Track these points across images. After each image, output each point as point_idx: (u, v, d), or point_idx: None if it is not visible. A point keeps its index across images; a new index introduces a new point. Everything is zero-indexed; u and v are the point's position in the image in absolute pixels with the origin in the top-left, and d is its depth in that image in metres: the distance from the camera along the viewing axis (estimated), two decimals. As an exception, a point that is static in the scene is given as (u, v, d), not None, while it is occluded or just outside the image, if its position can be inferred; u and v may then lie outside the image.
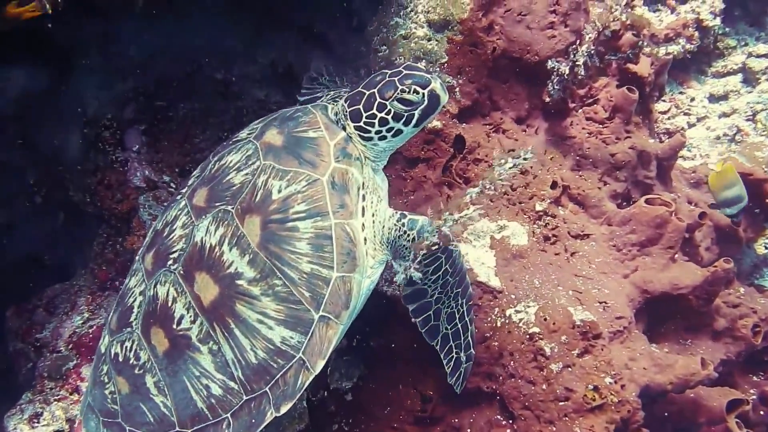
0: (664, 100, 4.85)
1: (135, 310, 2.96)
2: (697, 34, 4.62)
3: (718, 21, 4.76)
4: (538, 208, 3.95)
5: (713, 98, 4.99)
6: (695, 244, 4.26)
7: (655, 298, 3.84)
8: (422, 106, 2.99)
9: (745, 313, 4.13)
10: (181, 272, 2.83)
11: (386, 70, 3.08)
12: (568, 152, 4.16)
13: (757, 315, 4.12)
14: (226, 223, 2.81)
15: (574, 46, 3.93)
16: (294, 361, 2.72)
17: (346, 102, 3.09)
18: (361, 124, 3.03)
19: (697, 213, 4.14)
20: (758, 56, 5.01)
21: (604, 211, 4.03)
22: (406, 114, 3.00)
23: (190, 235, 2.89)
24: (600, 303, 3.66)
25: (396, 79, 2.99)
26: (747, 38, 5.19)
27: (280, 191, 2.82)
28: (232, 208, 2.83)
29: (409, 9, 4.16)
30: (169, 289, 2.85)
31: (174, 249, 2.92)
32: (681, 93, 4.94)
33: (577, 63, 3.87)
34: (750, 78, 5.06)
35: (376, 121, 3.01)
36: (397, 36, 4.12)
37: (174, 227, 3.00)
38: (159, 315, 2.83)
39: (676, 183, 4.50)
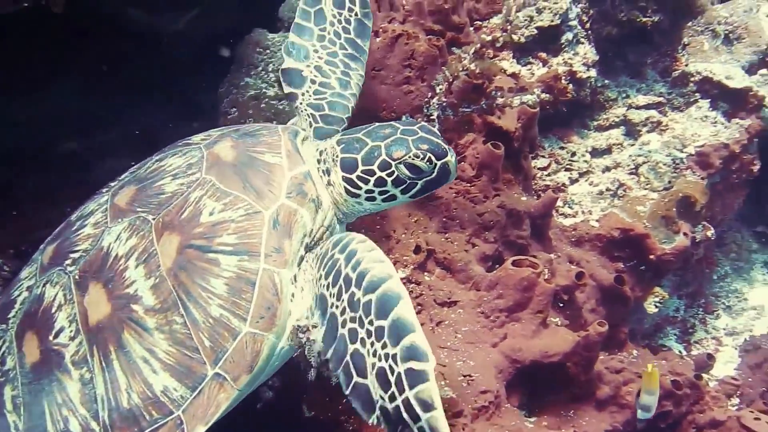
0: (543, 156, 4.65)
1: (17, 306, 2.62)
2: (571, 86, 4.45)
3: (593, 73, 4.61)
4: (401, 275, 3.64)
5: (596, 152, 4.82)
6: (577, 306, 3.99)
7: (526, 367, 3.53)
8: (429, 178, 2.68)
9: (630, 378, 3.84)
10: (77, 277, 2.48)
11: (397, 125, 2.74)
12: (434, 214, 3.89)
13: (641, 380, 3.83)
14: (141, 234, 2.47)
15: (428, 100, 3.71)
16: (170, 419, 2.31)
17: (339, 145, 2.73)
18: (353, 177, 2.67)
19: (575, 273, 3.88)
20: (638, 108, 4.87)
21: (472, 276, 3.74)
22: (408, 182, 2.67)
23: (99, 236, 2.54)
24: (464, 377, 3.33)
25: (410, 139, 2.64)
26: (628, 90, 5.07)
27: (212, 214, 2.47)
28: (153, 219, 2.49)
29: (260, 68, 3.93)
30: (57, 293, 2.49)
31: (77, 248, 2.57)
32: (561, 148, 4.76)
33: (431, 117, 3.64)
34: (631, 130, 4.90)
35: (373, 179, 2.66)
36: (247, 97, 3.88)
37: (86, 223, 2.65)
38: (39, 320, 2.48)
39: (557, 242, 4.25)
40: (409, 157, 2.60)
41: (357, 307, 2.25)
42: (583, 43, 4.52)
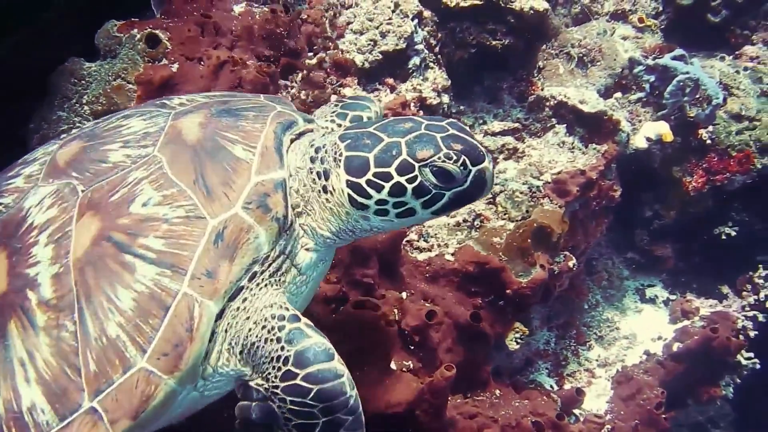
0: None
1: None
2: (421, 113, 4.24)
3: (445, 98, 4.43)
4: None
5: (453, 182, 4.60)
6: (431, 347, 3.72)
7: (370, 419, 3.24)
8: (459, 188, 2.11)
9: (484, 423, 3.59)
10: None
11: (420, 118, 2.21)
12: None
13: (498, 424, 3.59)
14: (64, 206, 2.04)
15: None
16: None
17: (343, 141, 2.18)
18: (362, 182, 2.11)
19: (426, 312, 3.63)
20: (494, 134, 4.72)
21: (313, 318, 3.43)
22: (433, 192, 2.10)
23: (25, 194, 2.12)
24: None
25: (439, 136, 2.10)
26: (484, 115, 4.94)
27: (145, 205, 2.01)
28: (82, 191, 2.05)
29: (74, 101, 3.54)
30: None
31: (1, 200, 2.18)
32: (416, 180, 4.52)
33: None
34: (488, 158, 4.73)
35: (388, 186, 2.09)
36: (58, 132, 3.48)
37: (22, 172, 2.23)
38: None
39: (410, 278, 3.99)
40: (439, 158, 2.05)
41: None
42: (432, 68, 4.34)
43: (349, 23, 4.04)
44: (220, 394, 2.20)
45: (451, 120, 2.20)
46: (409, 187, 2.09)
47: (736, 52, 5.45)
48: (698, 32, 5.44)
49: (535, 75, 4.79)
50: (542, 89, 4.66)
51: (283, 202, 2.14)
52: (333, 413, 1.99)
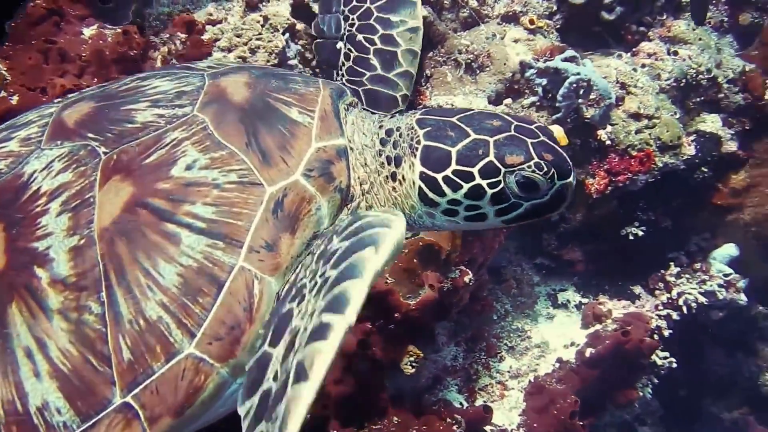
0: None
1: None
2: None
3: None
4: None
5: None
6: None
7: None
8: (539, 201, 1.97)
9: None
10: None
11: (508, 116, 2.04)
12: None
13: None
14: (81, 169, 1.76)
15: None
16: None
17: (422, 127, 2.02)
18: (439, 177, 1.95)
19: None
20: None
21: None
22: (512, 200, 1.96)
23: (23, 158, 1.83)
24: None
25: (530, 142, 1.94)
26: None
27: (189, 168, 1.77)
28: (105, 153, 1.78)
29: None
30: None
31: None
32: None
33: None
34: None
35: (467, 187, 1.93)
36: None
37: (13, 135, 1.93)
38: None
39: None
40: (528, 167, 1.91)
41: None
42: (311, 84, 4.11)
43: (215, 40, 3.80)
44: None
45: (539, 124, 2.05)
46: (489, 192, 1.94)
47: (633, 50, 5.35)
48: (593, 31, 5.33)
49: (423, 84, 4.61)
50: (430, 98, 4.48)
51: (346, 171, 1.97)
52: None
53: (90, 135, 1.82)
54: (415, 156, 2.00)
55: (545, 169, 1.92)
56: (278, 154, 1.85)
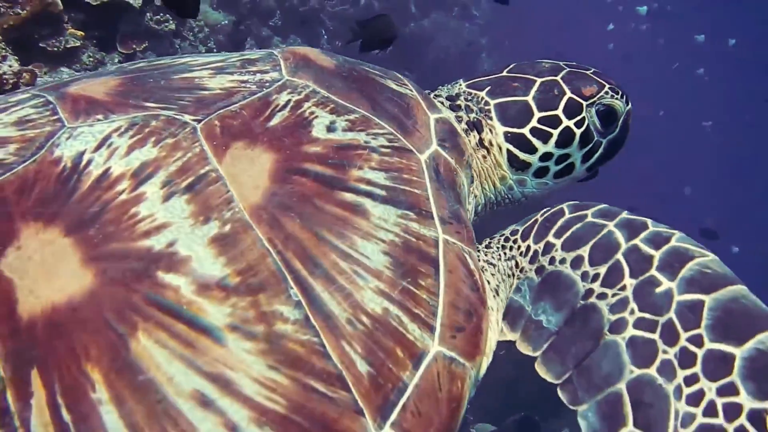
0: None
1: None
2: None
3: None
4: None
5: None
6: None
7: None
8: (612, 136, 1.85)
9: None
10: None
11: (548, 60, 1.93)
12: None
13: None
14: (168, 142, 1.25)
15: None
16: None
17: (477, 89, 1.86)
18: (526, 131, 1.78)
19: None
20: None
21: None
22: (595, 140, 1.82)
23: (37, 140, 1.22)
24: None
25: (589, 72, 1.83)
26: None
27: (331, 130, 1.42)
28: (197, 121, 1.31)
29: None
30: None
31: None
32: None
33: None
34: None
35: (557, 133, 1.77)
36: None
37: None
38: None
39: None
40: (606, 93, 1.78)
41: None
42: None
43: None
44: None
45: (579, 64, 1.93)
46: (578, 132, 1.79)
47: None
48: None
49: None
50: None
51: (468, 144, 1.76)
52: None
53: (150, 104, 1.35)
54: (490, 118, 1.82)
55: (620, 92, 1.84)
56: (408, 122, 1.60)
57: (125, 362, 1.01)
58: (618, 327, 1.37)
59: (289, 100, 1.44)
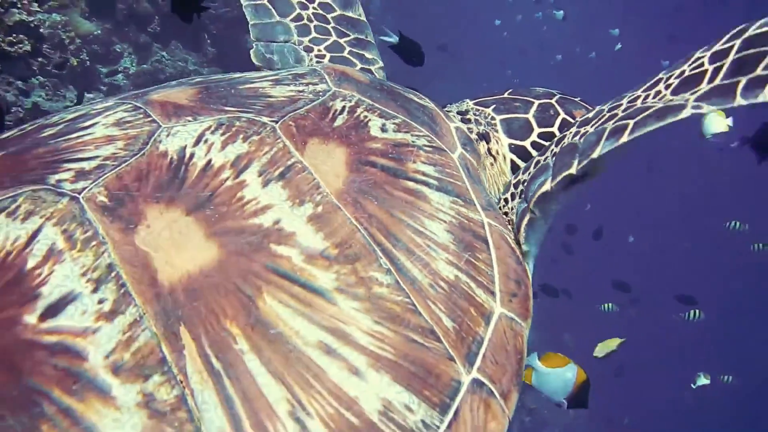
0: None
1: None
2: None
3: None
4: None
5: None
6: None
7: None
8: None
9: None
10: (99, 200, 1.25)
11: (543, 89, 2.19)
12: None
13: None
14: (255, 138, 1.45)
15: None
16: None
17: (483, 106, 2.12)
18: (527, 144, 2.04)
19: None
20: None
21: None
22: None
23: (140, 137, 1.40)
24: None
25: (577, 99, 2.13)
26: None
27: (384, 130, 1.65)
28: (274, 121, 1.51)
29: None
30: (38, 231, 1.19)
31: (82, 154, 1.36)
32: None
33: None
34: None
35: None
36: None
37: (85, 123, 1.47)
38: None
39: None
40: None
41: None
42: None
43: None
44: None
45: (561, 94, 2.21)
46: None
47: None
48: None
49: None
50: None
51: (482, 149, 2.02)
52: None
53: (229, 108, 1.55)
54: (497, 131, 2.07)
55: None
56: (436, 128, 1.82)
57: (257, 319, 1.20)
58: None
59: (344, 106, 1.68)
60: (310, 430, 1.15)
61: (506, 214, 1.86)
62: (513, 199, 1.85)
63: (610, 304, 10.60)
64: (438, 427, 1.26)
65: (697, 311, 9.84)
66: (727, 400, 17.98)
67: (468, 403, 1.33)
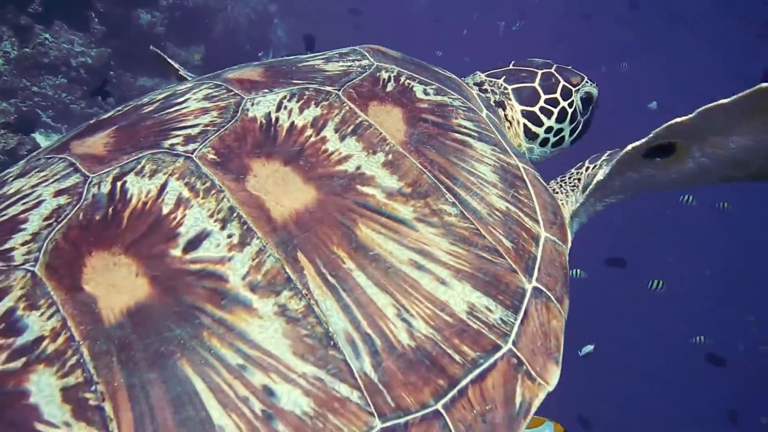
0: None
1: (34, 222, 1.37)
2: None
3: None
4: None
5: None
6: None
7: None
8: (585, 118, 2.40)
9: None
10: (210, 157, 1.49)
11: (541, 59, 2.44)
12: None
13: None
14: (325, 104, 1.70)
15: None
16: (498, 356, 1.46)
17: (495, 77, 2.36)
18: (536, 110, 2.29)
19: None
20: None
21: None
22: (578, 119, 2.37)
23: (230, 107, 1.65)
24: None
25: (570, 68, 2.39)
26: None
27: (426, 93, 1.90)
28: (336, 90, 1.76)
29: None
30: (166, 184, 1.42)
31: (185, 123, 1.61)
32: None
33: None
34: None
35: (557, 111, 2.29)
36: None
37: (177, 100, 1.72)
38: (135, 228, 1.35)
39: None
40: (587, 83, 2.34)
41: None
42: None
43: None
44: None
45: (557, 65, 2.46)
46: (570, 111, 2.32)
47: None
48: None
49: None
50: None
51: (500, 115, 2.30)
52: None
53: (296, 81, 1.80)
54: (510, 98, 2.31)
55: (594, 83, 2.38)
56: (464, 93, 2.07)
57: (358, 244, 1.45)
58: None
59: (390, 76, 1.92)
60: (414, 327, 1.40)
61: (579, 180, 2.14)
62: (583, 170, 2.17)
63: (659, 281, 10.38)
64: (513, 323, 1.53)
65: (660, 282, 10.05)
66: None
67: (533, 305, 1.59)
